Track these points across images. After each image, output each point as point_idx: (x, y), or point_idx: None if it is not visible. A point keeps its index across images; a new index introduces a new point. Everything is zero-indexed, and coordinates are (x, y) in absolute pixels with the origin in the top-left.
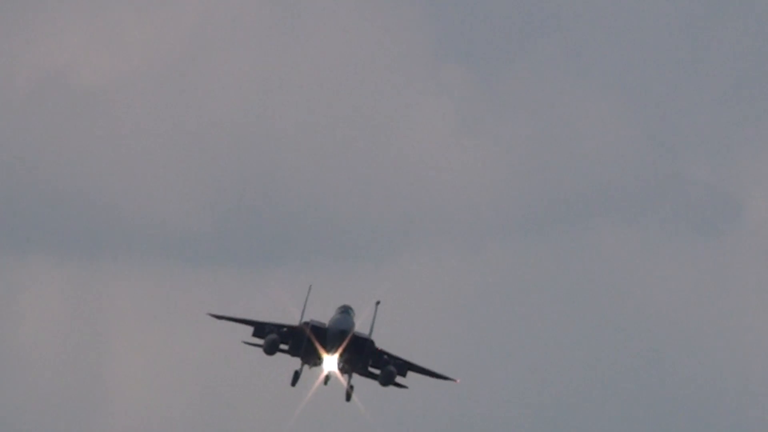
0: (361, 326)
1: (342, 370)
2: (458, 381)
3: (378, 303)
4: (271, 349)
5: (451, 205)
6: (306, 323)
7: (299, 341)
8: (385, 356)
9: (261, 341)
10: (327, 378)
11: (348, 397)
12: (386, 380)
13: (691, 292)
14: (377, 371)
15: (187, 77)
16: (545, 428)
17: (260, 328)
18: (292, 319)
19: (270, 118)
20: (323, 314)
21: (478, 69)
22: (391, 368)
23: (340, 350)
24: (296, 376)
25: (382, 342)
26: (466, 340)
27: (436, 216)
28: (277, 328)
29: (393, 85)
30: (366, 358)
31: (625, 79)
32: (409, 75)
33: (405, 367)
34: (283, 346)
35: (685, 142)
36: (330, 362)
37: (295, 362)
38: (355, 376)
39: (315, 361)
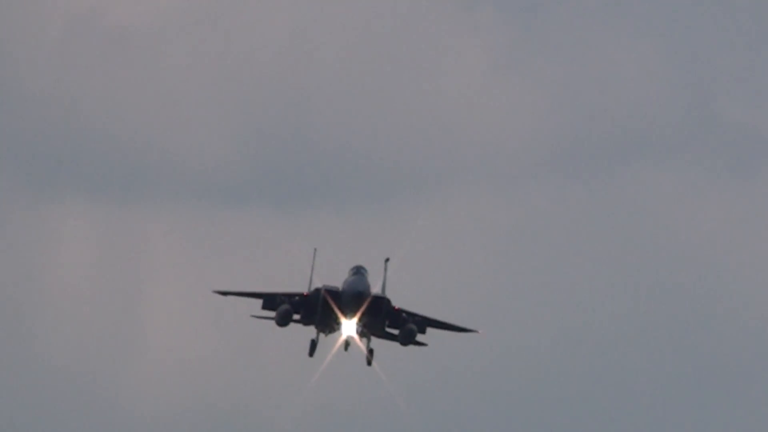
0: (373, 286)
1: (360, 334)
2: (480, 332)
3: (387, 260)
4: (284, 320)
5: (479, 149)
6: (318, 289)
7: (312, 309)
8: (404, 314)
9: (271, 313)
10: (347, 344)
11: (369, 362)
12: (407, 339)
13: (728, 233)
14: (395, 331)
15: (220, 16)
16: (576, 378)
17: (270, 300)
18: (302, 286)
19: (302, 62)
20: (336, 274)
21: (512, 9)
22: (412, 326)
23: (358, 314)
24: (313, 345)
25: (396, 300)
26: (488, 289)
27: (463, 160)
28: (288, 297)
29: (426, 26)
30: (383, 319)
31: (661, 20)
32: (443, 16)
33: (424, 323)
34: (294, 316)
35: (722, 82)
36: (348, 327)
37: (310, 332)
38: (373, 339)
39: (332, 327)
